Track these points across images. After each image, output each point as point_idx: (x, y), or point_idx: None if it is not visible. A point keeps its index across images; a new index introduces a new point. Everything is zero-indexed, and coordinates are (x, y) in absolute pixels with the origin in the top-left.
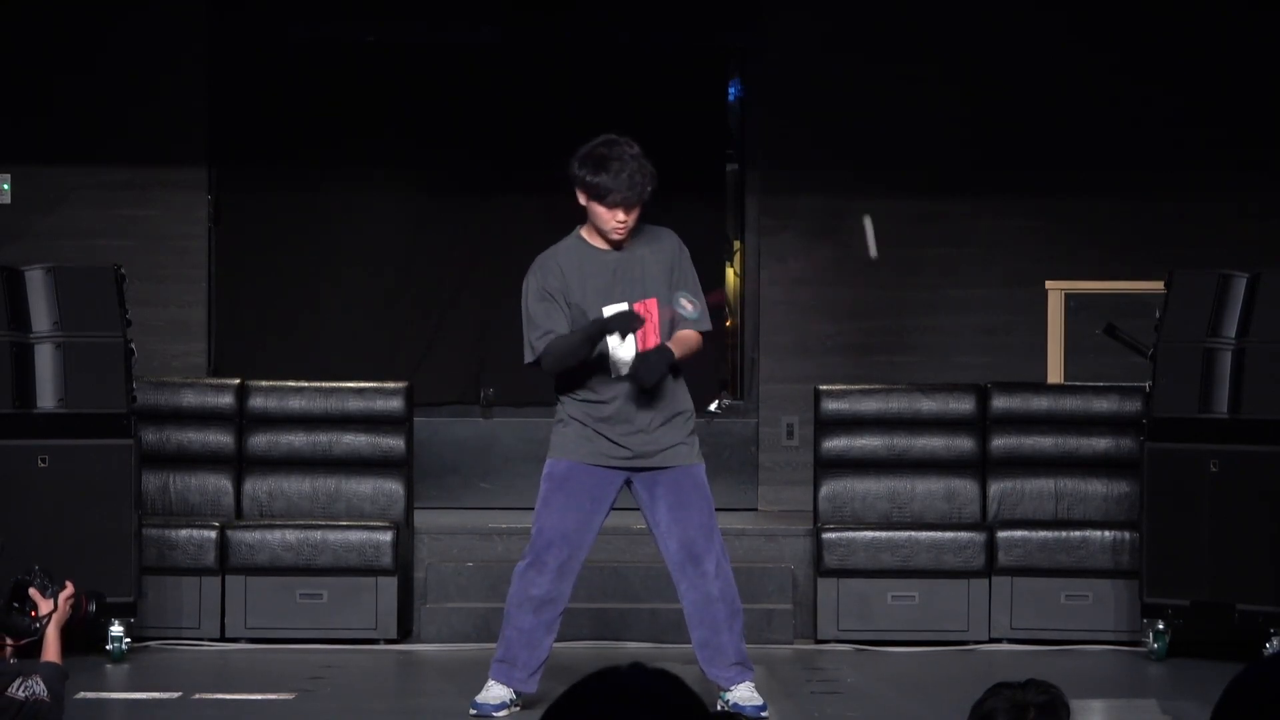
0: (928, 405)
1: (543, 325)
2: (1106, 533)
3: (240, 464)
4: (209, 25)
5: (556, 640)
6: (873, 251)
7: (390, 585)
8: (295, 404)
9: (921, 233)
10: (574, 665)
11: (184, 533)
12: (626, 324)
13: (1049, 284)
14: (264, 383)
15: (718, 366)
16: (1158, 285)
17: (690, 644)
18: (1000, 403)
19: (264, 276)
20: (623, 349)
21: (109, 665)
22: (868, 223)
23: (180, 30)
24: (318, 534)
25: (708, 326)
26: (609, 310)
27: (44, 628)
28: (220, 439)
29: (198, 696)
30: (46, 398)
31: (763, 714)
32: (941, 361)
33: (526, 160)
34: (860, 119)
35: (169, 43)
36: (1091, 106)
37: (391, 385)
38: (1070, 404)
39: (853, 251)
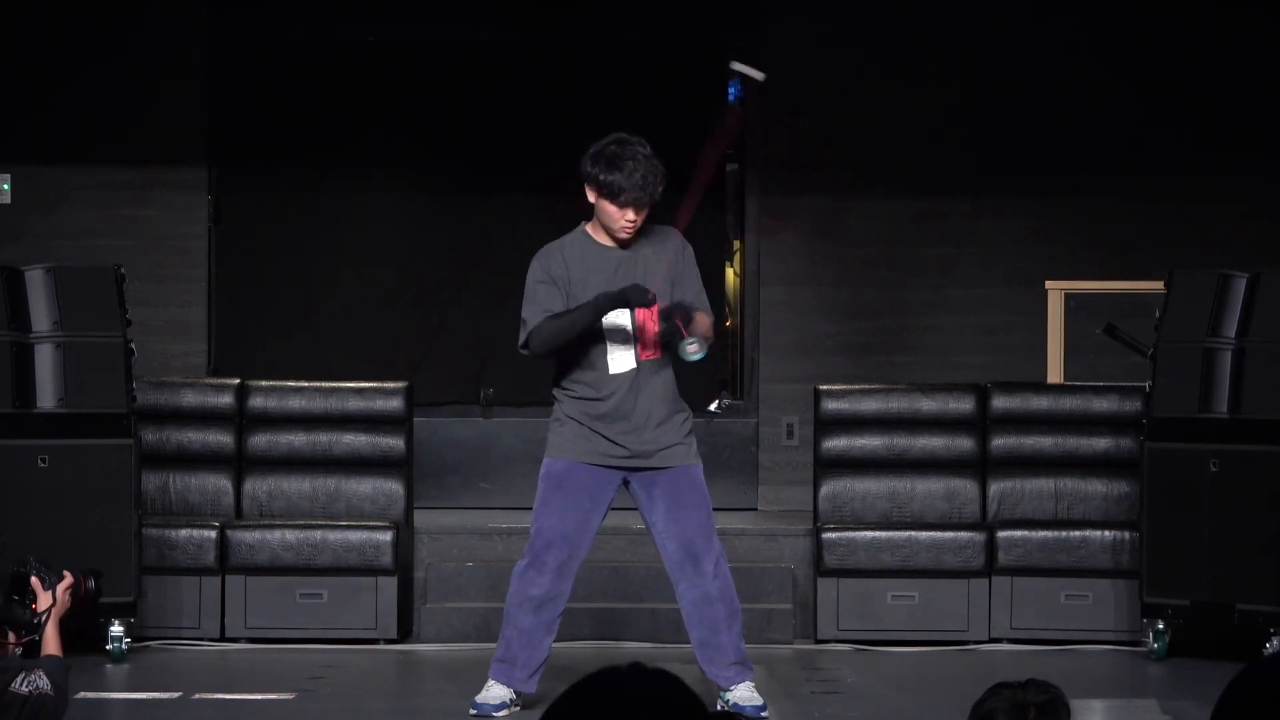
0: (928, 405)
1: (541, 304)
2: (1106, 533)
3: (240, 464)
4: (209, 25)
5: (556, 640)
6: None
7: (390, 585)
8: (295, 404)
9: (921, 233)
10: (574, 665)
11: (184, 533)
12: (641, 297)
13: (1049, 284)
14: (264, 383)
15: (718, 366)
16: (1158, 285)
17: (690, 644)
18: (1000, 403)
19: (264, 276)
20: (620, 358)
21: (109, 665)
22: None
23: (180, 30)
24: (318, 534)
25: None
26: (613, 313)
27: (45, 623)
28: (220, 439)
29: (198, 696)
30: (46, 398)
31: (763, 714)
32: (941, 361)
33: (526, 160)
34: (860, 119)
35: (169, 43)
36: (1091, 106)
37: (391, 385)
38: (1070, 404)
39: (853, 251)
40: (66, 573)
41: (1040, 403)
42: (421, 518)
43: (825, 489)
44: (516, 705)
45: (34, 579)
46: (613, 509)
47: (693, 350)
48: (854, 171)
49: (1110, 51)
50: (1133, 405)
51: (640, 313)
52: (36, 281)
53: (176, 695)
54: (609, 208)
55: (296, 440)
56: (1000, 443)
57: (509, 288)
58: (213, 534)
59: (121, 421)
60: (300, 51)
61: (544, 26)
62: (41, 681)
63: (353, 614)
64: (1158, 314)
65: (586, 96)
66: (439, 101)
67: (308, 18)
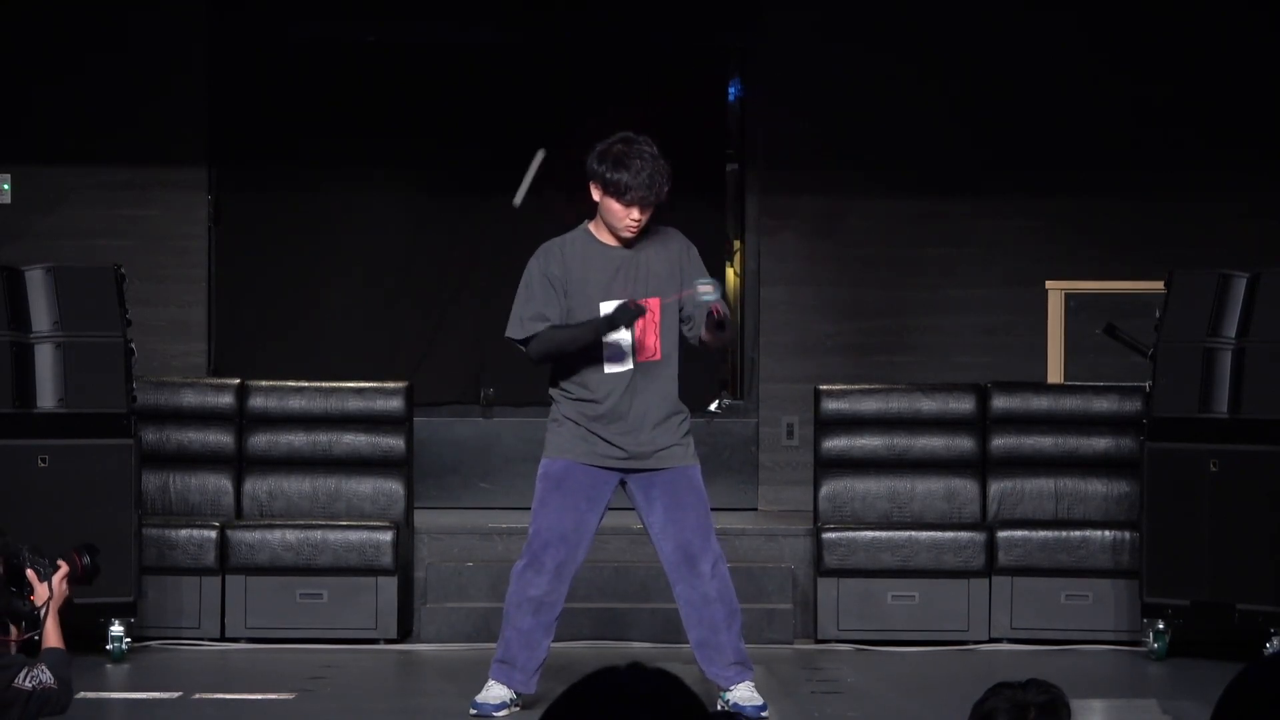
0: (928, 405)
1: (539, 308)
2: (1106, 533)
3: (240, 464)
4: (209, 25)
5: (556, 640)
6: (517, 199)
7: (390, 585)
8: (295, 404)
9: (921, 233)
10: (574, 665)
11: (184, 533)
12: (630, 318)
13: (1049, 284)
14: (264, 383)
15: (718, 366)
16: (1158, 285)
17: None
18: (1000, 403)
19: (264, 276)
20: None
21: (109, 665)
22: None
23: (180, 30)
24: (318, 534)
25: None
26: (606, 307)
27: (45, 617)
28: (220, 439)
29: (198, 696)
30: (46, 398)
31: (763, 714)
32: (941, 361)
33: (526, 160)
34: (860, 119)
35: (169, 43)
36: (1091, 106)
37: (391, 385)
38: (1070, 404)
39: (853, 251)
40: (61, 562)
41: (1040, 403)
42: (421, 518)
43: (825, 489)
44: (516, 705)
45: (29, 572)
46: (612, 508)
47: (705, 290)
48: (854, 171)
49: (1110, 51)
50: (1133, 405)
51: None
52: (36, 281)
53: (176, 695)
54: (614, 206)
55: (296, 440)
56: (1000, 443)
57: (509, 288)
58: (213, 534)
59: (121, 421)
60: (300, 51)
61: (544, 26)
62: (44, 676)
63: (353, 614)
64: (1158, 314)
65: (586, 96)
66: (439, 101)
67: (308, 18)
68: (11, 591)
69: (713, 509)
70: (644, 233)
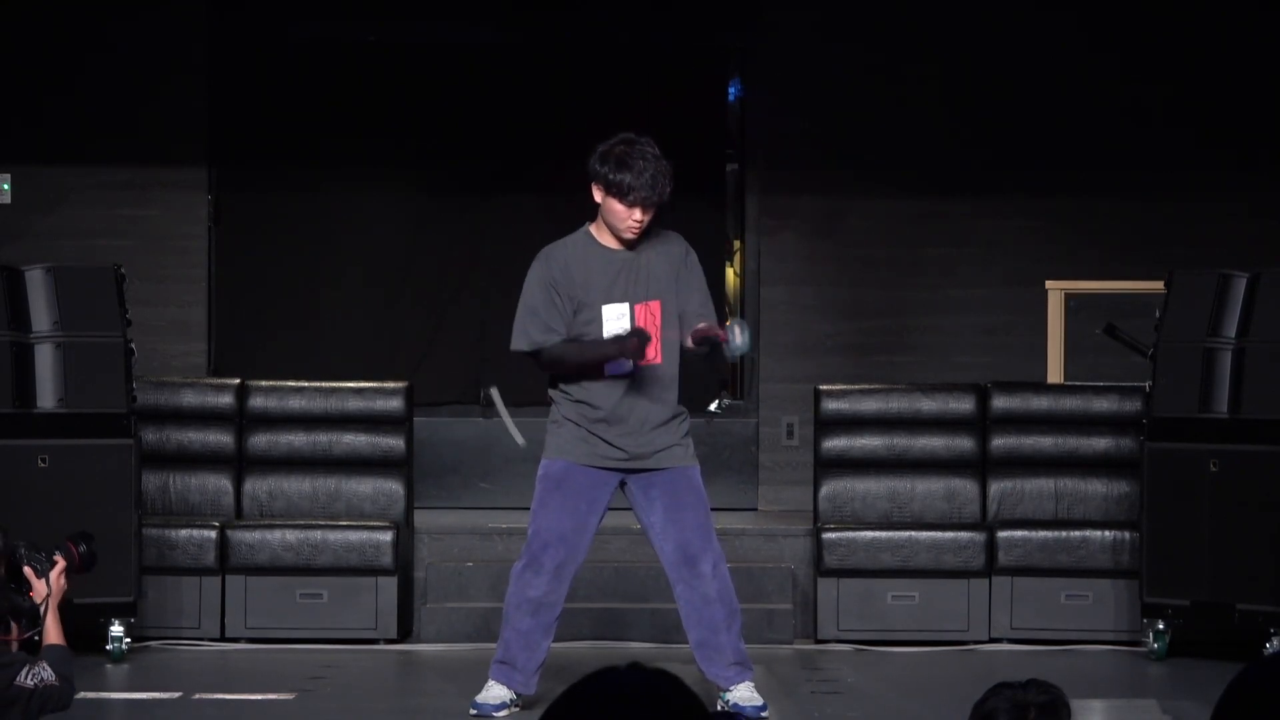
0: (928, 405)
1: (545, 320)
2: (1106, 533)
3: (240, 464)
4: (209, 25)
5: (557, 640)
6: (518, 439)
7: (390, 585)
8: (295, 404)
9: (921, 233)
10: (574, 665)
11: (184, 533)
12: (640, 345)
13: (1049, 284)
14: (264, 383)
15: (718, 366)
16: (1158, 285)
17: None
18: (1000, 403)
19: (264, 276)
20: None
21: (109, 665)
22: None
23: (180, 30)
24: (318, 534)
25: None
26: (608, 310)
27: (45, 614)
28: (220, 439)
29: (198, 696)
30: (46, 398)
31: (763, 714)
32: (941, 361)
33: (526, 160)
34: (860, 119)
35: (169, 43)
36: (1091, 106)
37: (391, 385)
38: (1070, 404)
39: (853, 251)
40: (58, 557)
41: (1040, 403)
42: (421, 518)
43: (825, 489)
44: (516, 705)
45: (27, 569)
46: (612, 508)
47: (739, 343)
48: (854, 171)
49: (1110, 51)
50: (1133, 405)
51: (640, 317)
52: (36, 281)
53: (176, 695)
54: (617, 207)
55: (296, 440)
56: (1000, 443)
57: (509, 288)
58: (213, 534)
59: (121, 421)
60: (300, 51)
61: (544, 26)
62: (46, 673)
63: (353, 614)
64: (1158, 314)
65: (586, 96)
66: (439, 101)
67: (308, 18)
68: (11, 589)
69: (713, 509)
70: (645, 234)
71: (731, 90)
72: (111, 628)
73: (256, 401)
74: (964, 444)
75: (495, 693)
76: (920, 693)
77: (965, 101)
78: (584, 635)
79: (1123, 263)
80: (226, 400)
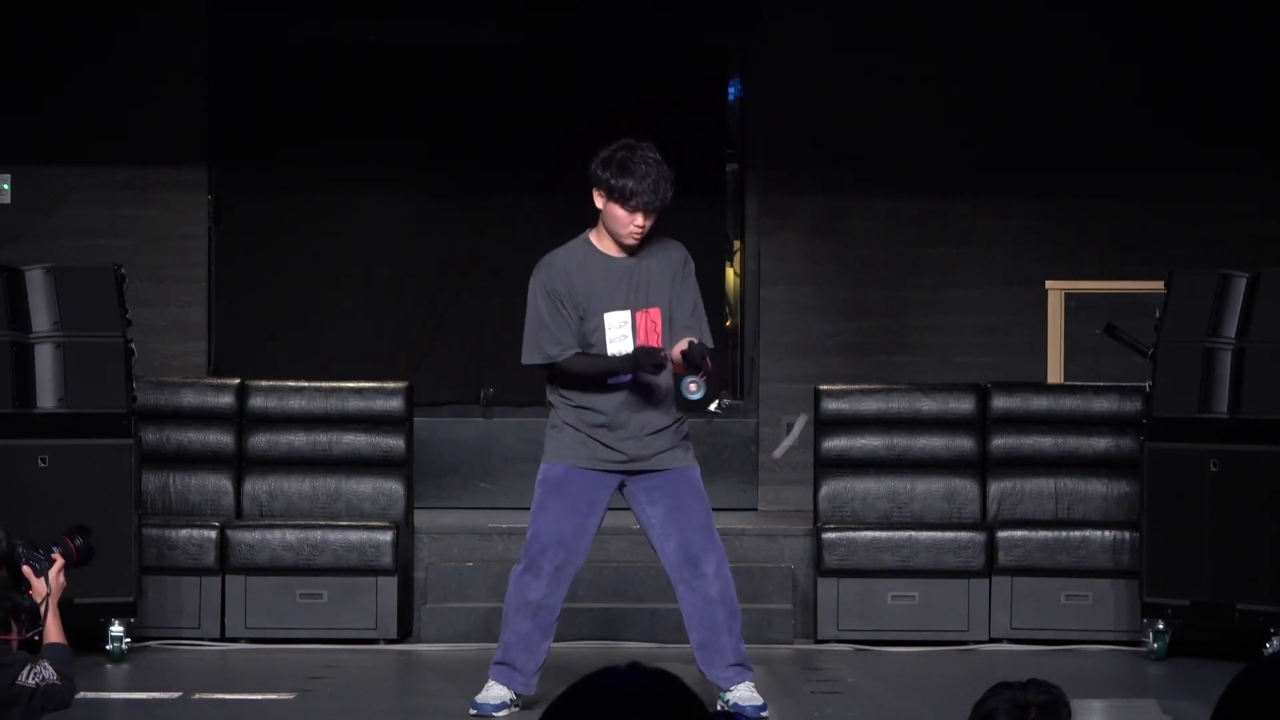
0: (928, 405)
1: (554, 332)
2: (1106, 533)
3: (240, 464)
4: (209, 25)
5: (557, 640)
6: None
7: (390, 585)
8: (295, 404)
9: (921, 233)
10: (574, 665)
11: (184, 533)
12: (654, 368)
13: (1049, 284)
14: (264, 383)
15: (718, 366)
16: (1158, 285)
17: (690, 644)
18: (1000, 403)
19: (264, 276)
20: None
21: (109, 665)
22: (799, 425)
23: (180, 30)
24: (318, 534)
25: (710, 345)
26: (610, 318)
27: (45, 614)
28: (220, 439)
29: (198, 696)
30: (46, 398)
31: (763, 714)
32: (941, 361)
33: (526, 160)
34: (860, 119)
35: (169, 43)
36: (1091, 107)
37: (391, 385)
38: (1070, 404)
39: (853, 251)
40: (57, 555)
41: (1040, 403)
42: (421, 518)
43: (825, 489)
44: (516, 705)
45: (25, 568)
46: (612, 508)
47: (693, 390)
48: (854, 171)
49: (1110, 51)
50: (1133, 405)
51: (641, 325)
52: (36, 281)
53: (176, 695)
54: (619, 212)
55: (296, 440)
56: (1000, 443)
57: (509, 288)
58: (213, 534)
59: (121, 421)
60: (300, 51)
61: (544, 26)
62: (47, 672)
63: (353, 614)
64: (1158, 314)
65: (586, 96)
66: (439, 101)
67: (308, 18)
68: (11, 588)
69: (713, 509)
70: (645, 241)
71: (731, 90)
72: (111, 628)
73: (256, 401)
74: (964, 444)
75: (495, 693)
76: (920, 693)
77: (965, 101)
78: (584, 635)
79: (1123, 263)
80: (226, 400)
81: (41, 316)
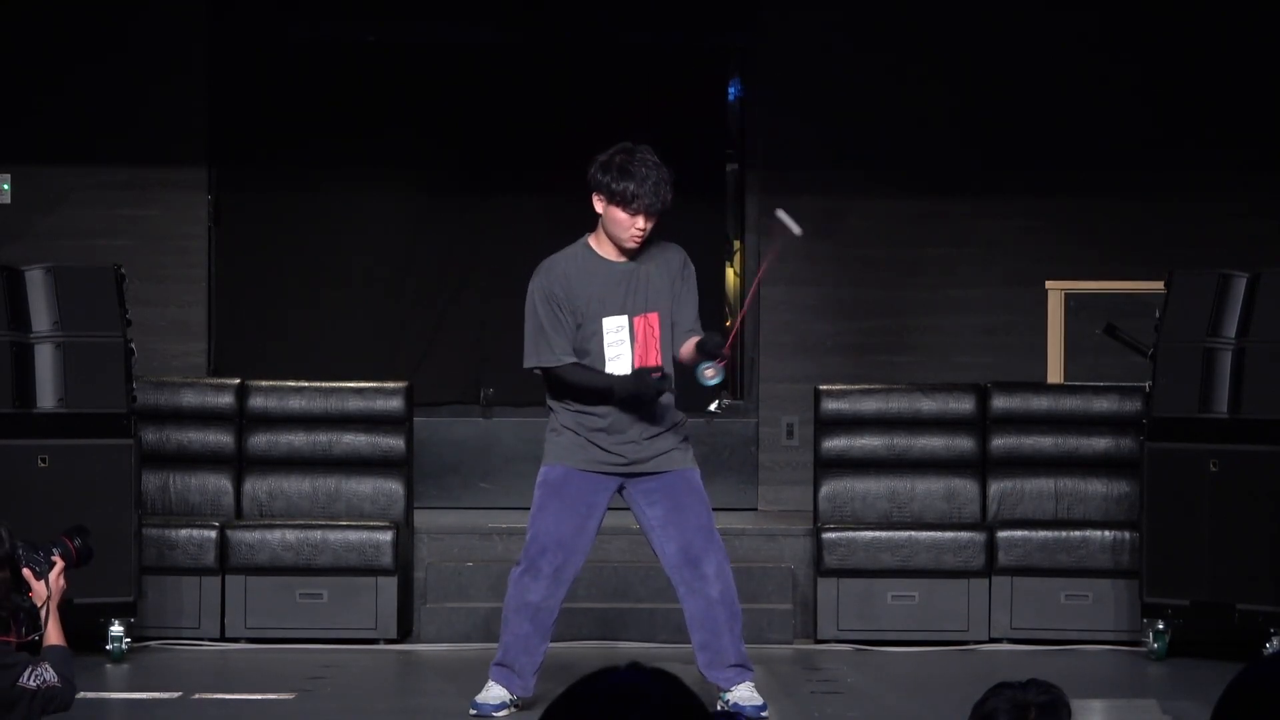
0: (928, 405)
1: (554, 340)
2: (1106, 533)
3: (240, 464)
4: (209, 25)
5: (557, 640)
6: (796, 230)
7: (390, 585)
8: (295, 404)
9: (921, 233)
10: (574, 665)
11: (184, 533)
12: (653, 391)
13: (1049, 284)
14: (264, 383)
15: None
16: (1158, 285)
17: (690, 644)
18: (1000, 403)
19: (264, 276)
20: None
21: (109, 665)
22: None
23: (180, 30)
24: (318, 534)
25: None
26: (609, 323)
27: (47, 618)
28: (220, 439)
29: (198, 696)
30: (46, 398)
31: (763, 714)
32: (941, 361)
33: (526, 160)
34: (860, 119)
35: (169, 43)
36: (1091, 106)
37: (391, 385)
38: (1070, 404)
39: (853, 251)
40: (57, 557)
41: (1040, 403)
42: (421, 518)
43: (825, 489)
44: (516, 705)
45: (26, 571)
46: (612, 509)
47: (710, 375)
48: (854, 171)
49: (1110, 51)
50: (1133, 405)
51: (639, 330)
52: (36, 281)
53: (176, 695)
54: (620, 215)
55: (296, 440)
56: (1000, 443)
57: (509, 288)
58: (213, 534)
59: (121, 421)
60: (300, 51)
61: (544, 26)
62: (48, 674)
63: (353, 614)
64: (1158, 314)
65: (586, 96)
66: (439, 101)
67: (308, 18)
68: (12, 588)
69: (713, 509)
70: (645, 245)
71: (731, 90)
72: (111, 628)
73: (256, 401)
74: (964, 444)
75: (495, 693)
76: (920, 693)
77: (965, 101)
78: (584, 635)
79: (1123, 263)
80: (226, 400)
81: (41, 316)
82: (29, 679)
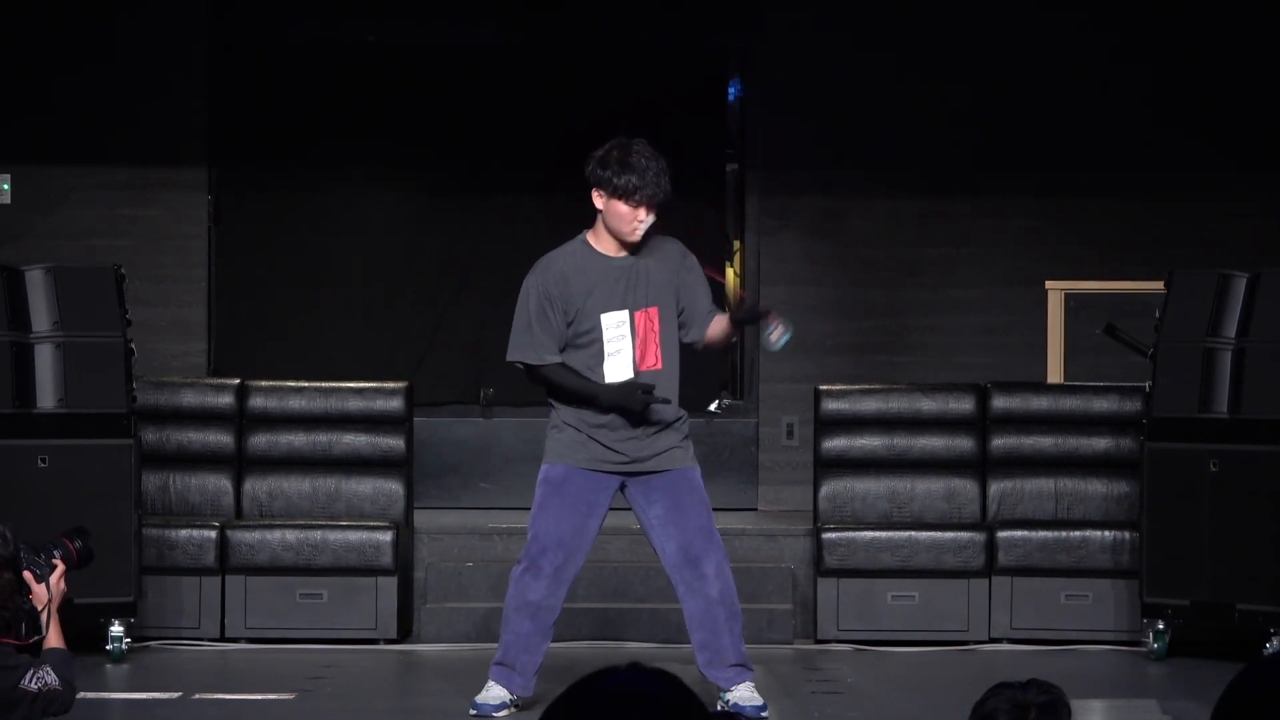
0: (928, 405)
1: (541, 338)
2: (1106, 533)
3: (240, 464)
4: (209, 25)
5: (557, 640)
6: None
7: (390, 585)
8: (295, 404)
9: (921, 233)
10: (574, 665)
11: (184, 533)
12: (640, 404)
13: (1049, 284)
14: (264, 383)
15: (718, 366)
16: (1158, 285)
17: (690, 644)
18: (1000, 403)
19: (264, 276)
20: (616, 368)
21: (109, 665)
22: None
23: (180, 30)
24: (318, 534)
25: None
26: (607, 319)
27: (49, 621)
28: (220, 439)
29: (198, 696)
30: (46, 398)
31: (763, 714)
32: (941, 361)
33: (526, 160)
34: (860, 119)
35: (169, 43)
36: (1092, 107)
37: (391, 385)
38: (1070, 404)
39: (853, 251)
40: (57, 560)
41: (1040, 403)
42: (421, 518)
43: (825, 489)
44: (516, 705)
45: (26, 573)
46: (612, 509)
47: (775, 338)
48: (854, 171)
49: (1110, 51)
50: (1133, 405)
51: (640, 324)
52: (36, 281)
53: (176, 695)
54: (621, 209)
55: (296, 440)
56: (1000, 443)
57: (509, 288)
58: (213, 534)
59: (121, 421)
60: (300, 51)
61: (544, 26)
62: (49, 677)
63: (353, 614)
64: (1158, 314)
65: (586, 96)
66: (439, 101)
67: (308, 18)
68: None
69: (713, 509)
70: (643, 241)
71: (731, 90)
72: (111, 628)
73: (256, 401)
74: (964, 444)
75: (495, 693)
76: (920, 693)
77: (965, 101)
78: (584, 635)
79: (1123, 263)
80: (226, 400)
81: (41, 316)
82: (30, 681)
